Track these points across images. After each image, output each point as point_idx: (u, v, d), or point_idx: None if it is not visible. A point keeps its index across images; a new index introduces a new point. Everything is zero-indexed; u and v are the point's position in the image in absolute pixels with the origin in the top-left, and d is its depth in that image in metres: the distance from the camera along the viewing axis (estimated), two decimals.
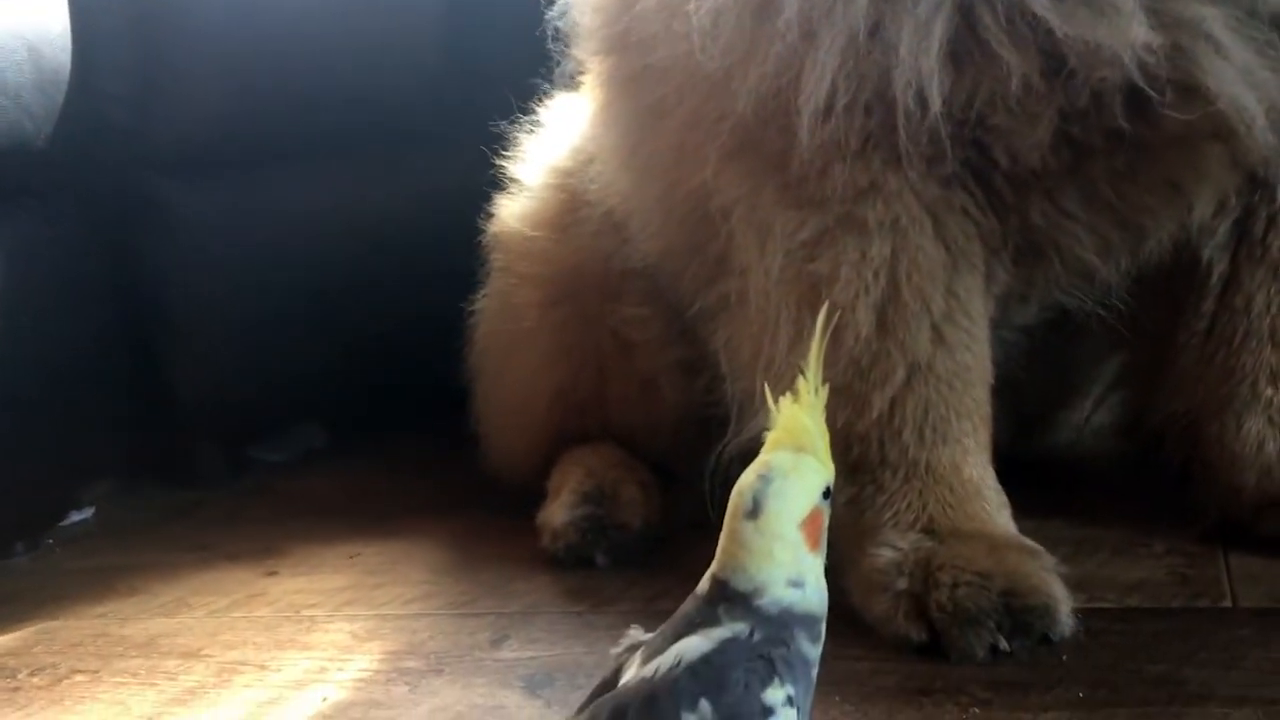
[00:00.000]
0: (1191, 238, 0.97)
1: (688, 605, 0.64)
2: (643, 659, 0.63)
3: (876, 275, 0.91)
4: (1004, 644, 0.85)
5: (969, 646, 0.85)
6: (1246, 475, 0.98)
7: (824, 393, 0.63)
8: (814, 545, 0.62)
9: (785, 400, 0.63)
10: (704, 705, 0.59)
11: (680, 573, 1.13)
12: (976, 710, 0.79)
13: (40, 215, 1.47)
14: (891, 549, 0.92)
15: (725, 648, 0.60)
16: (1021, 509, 0.98)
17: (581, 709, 0.64)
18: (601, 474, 1.21)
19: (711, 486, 1.08)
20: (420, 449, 1.70)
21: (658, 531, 1.19)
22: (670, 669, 0.60)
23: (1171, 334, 1.02)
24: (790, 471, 0.61)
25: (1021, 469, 1.03)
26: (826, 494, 0.63)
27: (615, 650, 0.67)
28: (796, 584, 0.61)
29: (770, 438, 0.63)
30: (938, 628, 0.87)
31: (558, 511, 1.19)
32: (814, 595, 0.62)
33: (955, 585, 0.87)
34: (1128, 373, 1.13)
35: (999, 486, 0.96)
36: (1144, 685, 0.79)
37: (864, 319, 0.92)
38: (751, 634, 0.60)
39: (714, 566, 0.63)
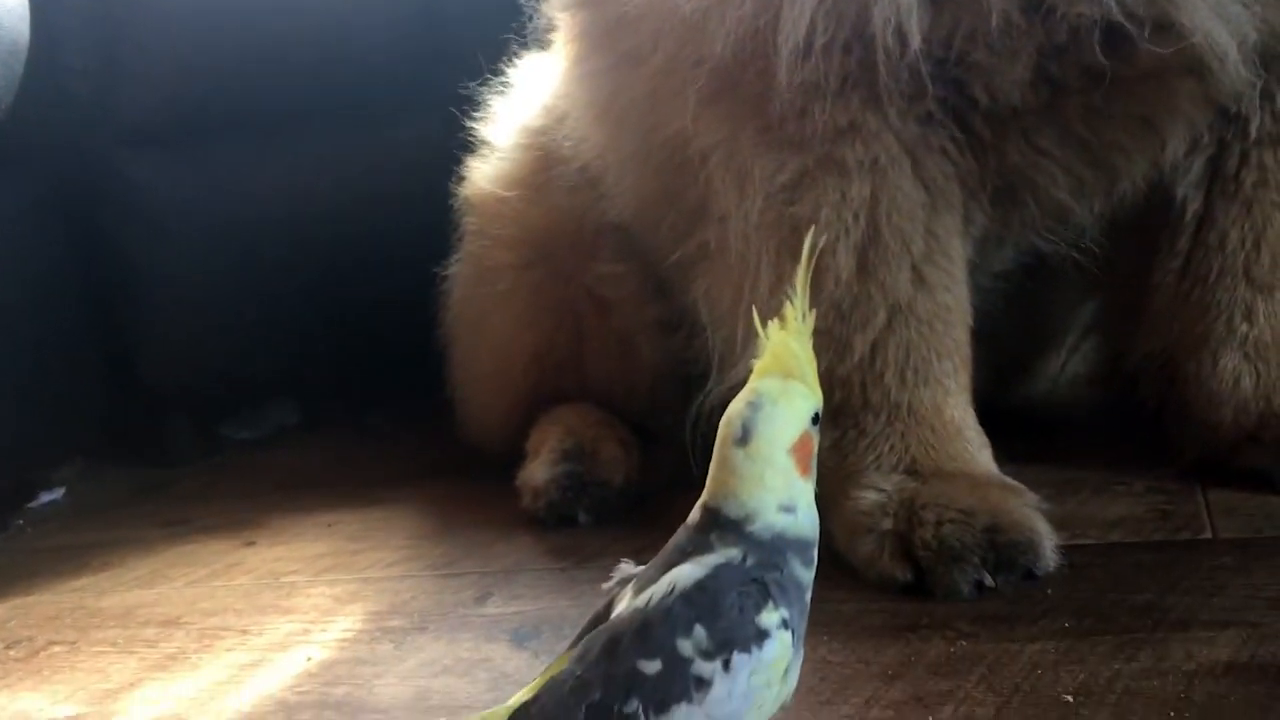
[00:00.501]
0: (1165, 176, 0.97)
1: (679, 536, 0.64)
2: (634, 591, 0.63)
3: (857, 216, 0.91)
4: (989, 580, 0.85)
5: (954, 583, 0.86)
6: (1223, 411, 0.99)
7: (811, 319, 0.63)
8: (804, 470, 0.62)
9: (773, 327, 0.63)
10: (699, 630, 0.59)
11: (663, 528, 1.11)
12: (963, 643, 0.79)
13: (2, 188, 1.45)
14: (875, 491, 0.92)
15: (718, 573, 0.60)
16: (1000, 455, 0.98)
17: (574, 643, 0.64)
18: (581, 432, 1.21)
19: (693, 439, 1.08)
20: (395, 422, 1.69)
21: (639, 488, 1.19)
22: (664, 597, 0.60)
23: (1147, 274, 1.02)
24: (779, 397, 0.61)
25: (999, 417, 1.03)
26: (815, 419, 0.63)
27: (606, 585, 0.67)
28: (788, 509, 0.61)
29: (758, 365, 0.63)
30: (923, 566, 0.87)
31: (538, 470, 1.18)
32: (806, 520, 0.62)
33: (939, 523, 0.87)
34: (1103, 316, 1.14)
35: (979, 428, 0.97)
36: (1128, 614, 0.79)
37: (844, 261, 0.92)
38: (744, 559, 0.60)
39: (704, 495, 0.63)
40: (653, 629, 0.59)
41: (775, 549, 0.61)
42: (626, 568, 0.66)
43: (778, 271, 0.93)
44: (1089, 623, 0.79)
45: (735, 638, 0.59)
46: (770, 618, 0.60)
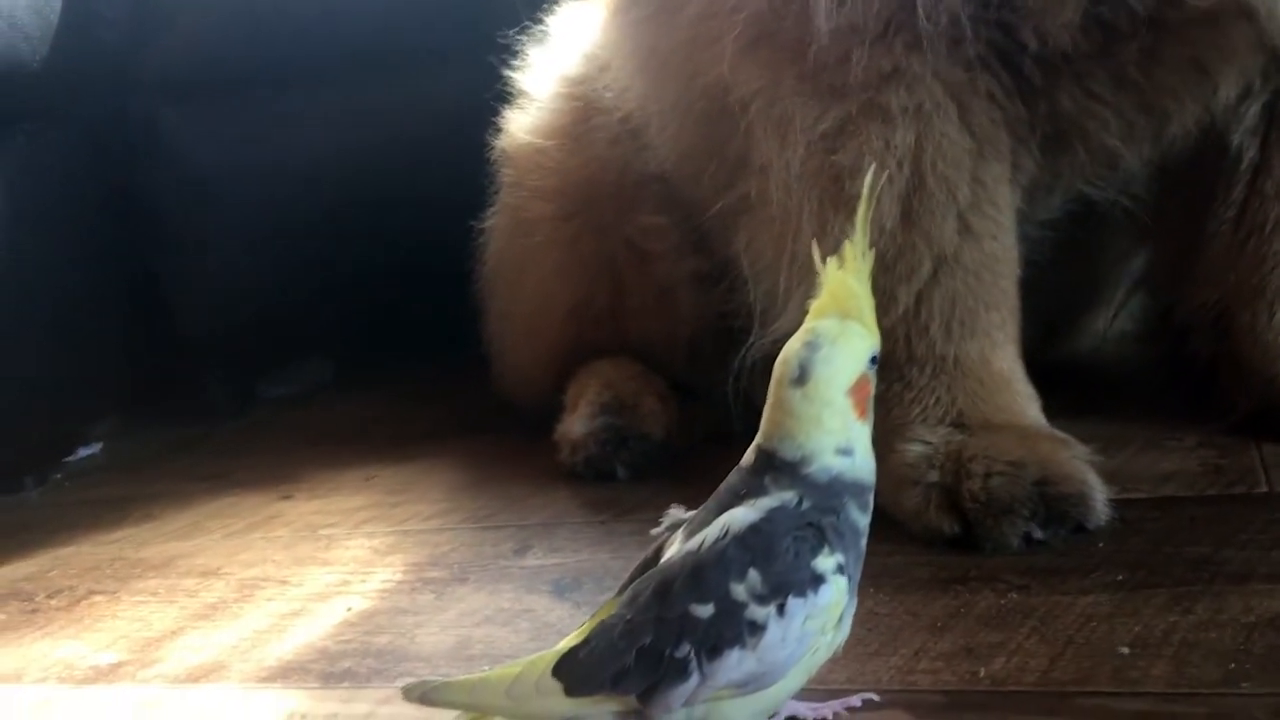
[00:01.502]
0: (1218, 122, 0.94)
1: (731, 478, 0.63)
2: (685, 535, 0.62)
3: (901, 164, 0.89)
4: (1038, 533, 0.84)
5: (1003, 536, 0.84)
6: (1279, 364, 0.96)
7: (870, 257, 0.62)
8: (861, 413, 0.61)
9: (831, 264, 0.61)
10: (753, 575, 0.58)
11: (703, 484, 1.10)
12: (1014, 595, 0.78)
13: (39, 140, 1.45)
14: (921, 443, 0.90)
15: (773, 516, 0.59)
16: (1047, 410, 0.96)
17: (623, 589, 0.63)
18: (620, 385, 1.19)
19: (734, 393, 1.06)
20: (429, 380, 1.69)
21: (677, 443, 1.18)
22: (716, 540, 0.59)
23: (1200, 224, 0.99)
24: (837, 337, 0.60)
25: (1046, 373, 1.02)
26: (874, 360, 0.61)
27: (655, 530, 0.66)
28: (845, 451, 0.60)
29: (815, 304, 0.62)
30: (970, 519, 0.85)
31: (576, 423, 1.17)
32: (863, 463, 0.61)
33: (988, 475, 0.85)
34: (1153, 268, 1.11)
35: (1028, 380, 0.95)
36: (1184, 567, 0.78)
37: (888, 210, 0.90)
38: (800, 502, 0.59)
39: (759, 437, 0.62)
40: (705, 573, 0.59)
41: (832, 492, 0.60)
42: (676, 512, 0.66)
43: (820, 222, 0.92)
44: (1142, 576, 0.77)
45: (790, 582, 0.58)
46: (826, 562, 0.59)
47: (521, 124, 1.27)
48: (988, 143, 0.91)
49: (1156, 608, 0.73)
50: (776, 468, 0.60)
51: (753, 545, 0.58)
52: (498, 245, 1.31)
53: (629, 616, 0.60)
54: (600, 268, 1.22)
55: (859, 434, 0.61)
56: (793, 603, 0.58)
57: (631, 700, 0.58)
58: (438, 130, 1.58)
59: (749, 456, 0.62)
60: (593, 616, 0.63)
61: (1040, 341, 1.14)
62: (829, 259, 0.61)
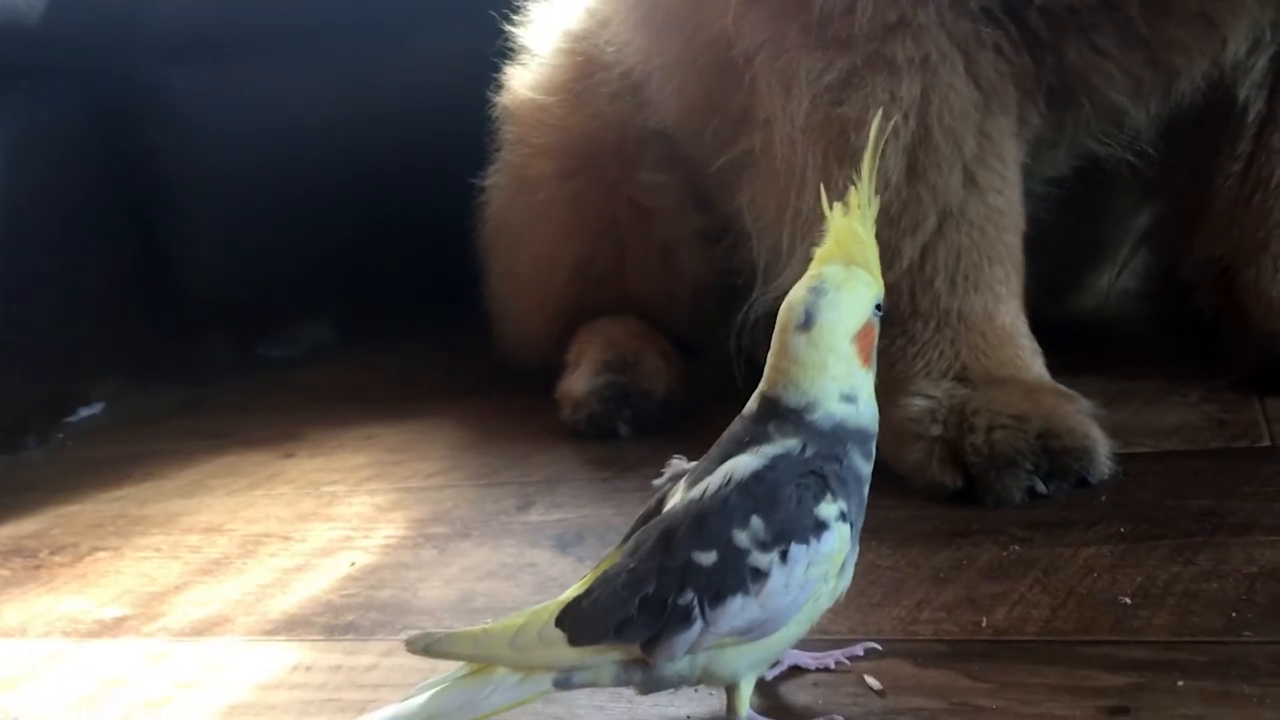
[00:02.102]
0: (1226, 77, 0.93)
1: (734, 426, 0.63)
2: (688, 485, 0.62)
3: (906, 117, 0.88)
4: (1041, 486, 0.84)
5: (1005, 490, 0.84)
6: None
7: (876, 204, 0.61)
8: (865, 360, 0.61)
9: (837, 210, 0.61)
10: (755, 521, 0.58)
11: (705, 441, 1.11)
12: (1016, 548, 0.78)
13: (37, 99, 1.44)
14: (924, 398, 0.90)
15: (777, 464, 0.59)
16: (1051, 366, 0.96)
17: (626, 539, 0.63)
18: (623, 343, 1.19)
19: (736, 349, 1.06)
20: (431, 341, 1.69)
21: (680, 401, 1.18)
22: (720, 488, 0.59)
23: (1205, 179, 0.99)
24: (843, 283, 0.60)
25: (1051, 330, 1.01)
26: (878, 308, 0.61)
27: (657, 481, 0.66)
28: (849, 398, 0.60)
29: (820, 251, 0.62)
30: (973, 473, 0.85)
31: (578, 381, 1.17)
32: (866, 411, 0.61)
33: (991, 429, 0.85)
34: (1159, 224, 1.11)
35: (1032, 335, 0.95)
36: (1186, 519, 0.78)
37: (894, 163, 0.90)
38: (804, 449, 0.59)
39: (762, 385, 0.62)
40: (709, 520, 0.58)
41: (835, 439, 0.60)
42: (678, 463, 0.66)
43: (824, 175, 0.91)
44: (1145, 528, 0.78)
45: (793, 529, 0.58)
46: (829, 509, 0.59)
47: (523, 80, 1.26)
48: (994, 95, 0.90)
49: (1159, 559, 0.73)
50: (780, 415, 0.60)
51: (756, 492, 0.58)
52: (499, 204, 1.30)
53: (632, 566, 0.59)
54: (602, 226, 1.21)
55: (862, 381, 0.60)
56: (795, 549, 0.58)
57: (635, 649, 0.58)
58: (441, 88, 1.56)
59: (752, 405, 0.62)
60: (595, 569, 0.63)
61: (1045, 299, 1.14)
62: (835, 205, 0.61)
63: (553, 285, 1.25)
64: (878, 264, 0.62)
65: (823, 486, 0.59)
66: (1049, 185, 1.03)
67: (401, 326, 1.77)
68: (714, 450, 0.62)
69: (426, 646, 0.59)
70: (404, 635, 0.81)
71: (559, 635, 0.59)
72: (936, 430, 0.88)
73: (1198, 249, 1.01)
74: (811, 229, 0.93)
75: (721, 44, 0.97)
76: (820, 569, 0.59)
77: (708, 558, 0.58)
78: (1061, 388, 0.91)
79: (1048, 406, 0.87)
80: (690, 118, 1.06)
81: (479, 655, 0.59)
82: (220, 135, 1.59)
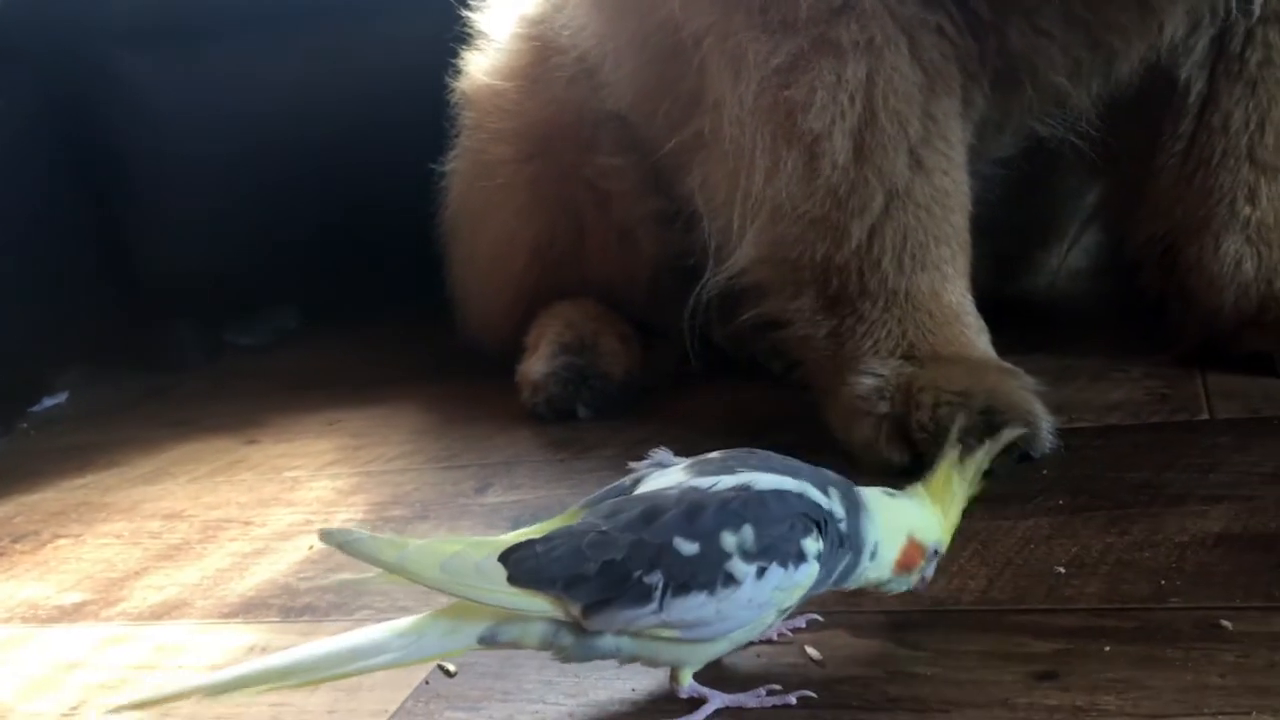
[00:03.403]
0: (1163, 58, 0.95)
1: (788, 459, 0.65)
2: (693, 471, 0.63)
3: (852, 99, 0.90)
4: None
5: None
6: (1225, 295, 0.97)
7: (976, 487, 0.68)
8: (897, 570, 0.65)
9: (951, 458, 0.67)
10: (747, 530, 0.60)
11: (663, 421, 1.14)
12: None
13: None
14: (872, 376, 0.91)
15: (803, 498, 0.61)
16: (1000, 345, 0.97)
17: (591, 502, 0.64)
18: (581, 326, 1.20)
19: (690, 329, 1.07)
20: (396, 327, 1.69)
21: (639, 383, 1.19)
22: (729, 490, 0.60)
23: (1149, 158, 1.00)
24: (930, 507, 0.66)
25: (1001, 308, 1.03)
26: (933, 554, 0.65)
27: (635, 464, 0.66)
28: (872, 554, 0.64)
29: (925, 480, 0.67)
30: (919, 449, 0.87)
31: (537, 364, 1.18)
32: (873, 574, 0.64)
33: (936, 405, 0.87)
34: (1105, 204, 1.13)
35: (978, 313, 0.96)
36: (1123, 491, 0.79)
37: (840, 146, 0.91)
38: (840, 522, 0.62)
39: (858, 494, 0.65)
40: (703, 513, 0.60)
41: (856, 543, 0.63)
42: (663, 454, 0.66)
43: (772, 158, 0.92)
44: (1083, 500, 0.79)
45: (777, 549, 0.60)
46: (812, 546, 0.61)
47: (480, 65, 1.26)
48: (939, 78, 0.92)
49: (1094, 529, 0.75)
50: (847, 496, 0.63)
51: (759, 507, 0.60)
52: (459, 189, 1.31)
53: (604, 529, 0.60)
54: (561, 209, 1.22)
55: (884, 564, 0.64)
56: (774, 570, 0.60)
57: (572, 608, 0.59)
58: (405, 72, 1.55)
59: (831, 473, 0.65)
60: (543, 524, 0.63)
61: (996, 278, 1.16)
62: (951, 454, 0.67)
63: (512, 268, 1.26)
64: (952, 529, 0.66)
65: (814, 528, 0.61)
66: (996, 166, 1.05)
67: (368, 312, 1.77)
68: (741, 453, 0.64)
69: (343, 543, 0.59)
70: (359, 616, 0.83)
71: (499, 571, 0.59)
72: (884, 407, 0.89)
73: (1142, 227, 1.03)
74: (760, 210, 0.94)
75: (671, 26, 0.98)
76: (784, 595, 0.61)
77: (689, 547, 0.59)
78: (1006, 364, 0.92)
79: (991, 383, 0.88)
80: (644, 100, 1.07)
81: (401, 567, 0.59)
82: (183, 121, 1.58)
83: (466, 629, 0.60)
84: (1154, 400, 0.94)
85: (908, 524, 0.64)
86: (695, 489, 0.61)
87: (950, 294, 0.94)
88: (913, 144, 0.92)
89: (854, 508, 0.63)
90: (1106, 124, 1.00)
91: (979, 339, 0.94)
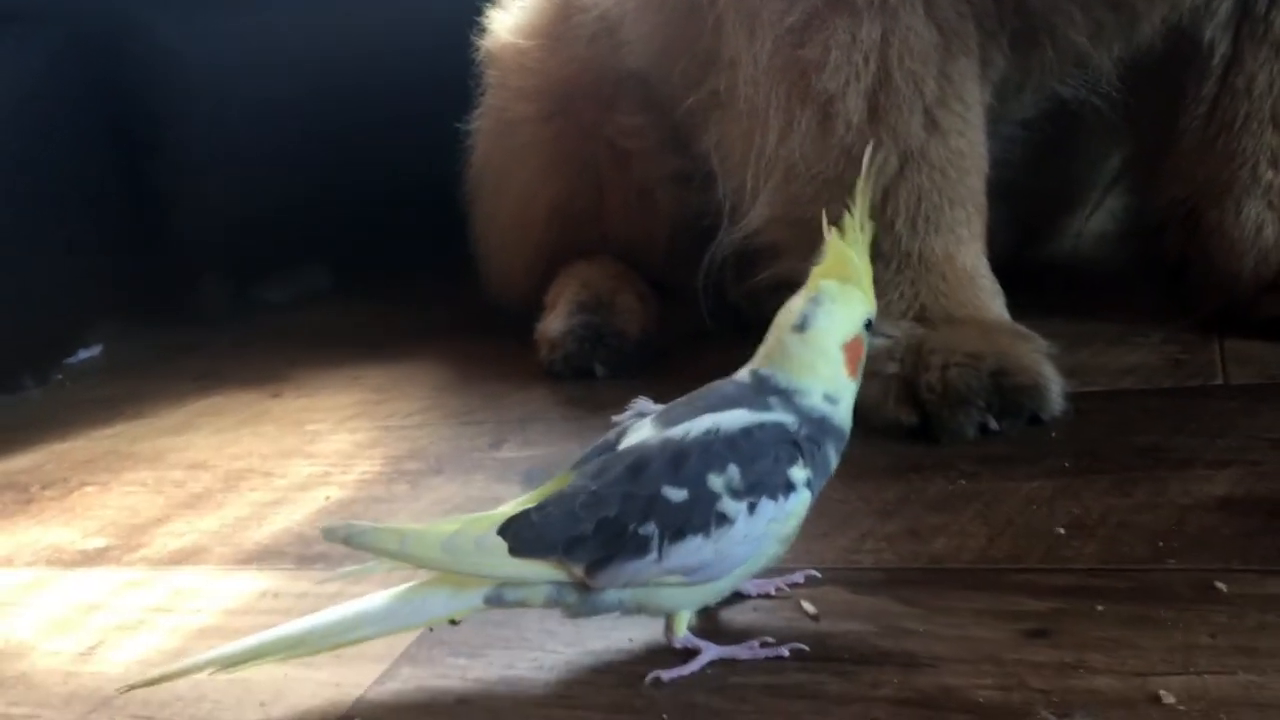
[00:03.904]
0: (1187, 19, 0.94)
1: (724, 387, 0.65)
2: (660, 425, 0.64)
3: (867, 59, 0.89)
4: (993, 423, 0.85)
5: (959, 426, 0.86)
6: (1244, 260, 0.97)
7: (870, 229, 0.65)
8: (852, 371, 0.64)
9: (833, 234, 0.64)
10: (733, 470, 0.61)
11: (679, 381, 1.12)
12: (964, 482, 0.80)
13: (28, 43, 1.45)
14: (884, 337, 0.91)
15: (767, 426, 0.62)
16: (1020, 309, 0.97)
17: (579, 464, 0.65)
18: (598, 285, 1.21)
19: (704, 288, 1.08)
20: (425, 285, 1.71)
21: (656, 342, 1.19)
22: (704, 433, 0.61)
23: (1172, 121, 0.99)
24: (838, 297, 0.64)
25: (1020, 273, 1.03)
26: (868, 325, 0.65)
27: (617, 418, 0.67)
28: (832, 399, 0.64)
29: (818, 268, 0.65)
30: (928, 410, 0.87)
31: (554, 322, 1.19)
32: (845, 415, 0.65)
33: (945, 367, 0.87)
34: (1129, 167, 1.11)
35: (993, 276, 0.96)
36: (1130, 454, 0.79)
37: (855, 106, 0.90)
38: (800, 427, 0.62)
39: (754, 364, 0.65)
40: (687, 460, 0.61)
41: (821, 429, 0.63)
42: (643, 404, 0.67)
43: (787, 117, 0.92)
44: (1089, 462, 0.79)
45: (766, 484, 0.61)
46: (799, 474, 0.62)
47: (504, 24, 1.27)
48: (955, 37, 0.91)
49: (1097, 492, 0.75)
50: (778, 393, 0.63)
51: (740, 446, 0.61)
52: (483, 147, 1.31)
53: (594, 488, 0.61)
54: (581, 168, 1.23)
55: (846, 387, 0.64)
56: (764, 503, 0.61)
57: (575, 570, 0.60)
58: (429, 31, 1.57)
59: (744, 375, 0.65)
60: (544, 485, 0.65)
61: (1017, 241, 1.15)
62: (832, 228, 0.64)
63: (533, 227, 1.27)
64: (870, 285, 0.65)
65: (797, 453, 0.62)
66: (1017, 127, 1.04)
67: (399, 269, 1.79)
68: (696, 400, 0.64)
69: (347, 536, 0.61)
70: (369, 564, 0.84)
71: (499, 544, 0.60)
72: (894, 368, 0.89)
73: (1163, 191, 1.02)
74: (775, 170, 0.94)
75: None
76: (779, 526, 0.62)
77: (678, 494, 0.60)
78: (1019, 327, 0.92)
79: (1002, 345, 0.88)
80: (662, 58, 1.07)
81: (404, 554, 0.61)
82: (214, 78, 1.60)
83: (471, 591, 0.62)
84: (1168, 365, 0.94)
85: (832, 347, 0.63)
86: (673, 439, 0.61)
87: (965, 257, 0.94)
88: (928, 104, 0.91)
89: (788, 398, 0.62)
90: (1129, 86, 0.99)
91: (993, 302, 0.94)
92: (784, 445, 0.61)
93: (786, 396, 0.62)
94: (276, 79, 1.62)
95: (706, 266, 1.05)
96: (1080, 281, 1.21)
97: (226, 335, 1.68)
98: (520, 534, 0.61)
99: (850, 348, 0.64)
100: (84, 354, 1.64)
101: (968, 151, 0.93)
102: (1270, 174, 0.96)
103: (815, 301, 0.63)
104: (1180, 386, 0.90)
